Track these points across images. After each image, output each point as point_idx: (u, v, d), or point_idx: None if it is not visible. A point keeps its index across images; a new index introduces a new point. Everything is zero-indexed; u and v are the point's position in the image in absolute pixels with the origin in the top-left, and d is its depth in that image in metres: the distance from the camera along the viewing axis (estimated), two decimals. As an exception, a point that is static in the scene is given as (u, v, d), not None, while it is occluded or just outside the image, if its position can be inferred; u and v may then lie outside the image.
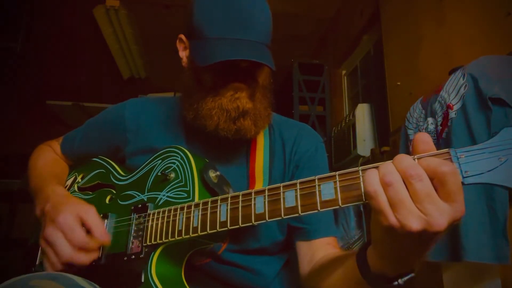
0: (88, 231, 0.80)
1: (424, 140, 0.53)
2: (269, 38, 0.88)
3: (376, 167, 0.53)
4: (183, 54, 0.95)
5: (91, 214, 0.81)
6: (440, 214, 0.48)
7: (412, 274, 0.58)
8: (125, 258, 0.83)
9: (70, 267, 0.78)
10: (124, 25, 3.51)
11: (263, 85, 0.92)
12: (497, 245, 1.25)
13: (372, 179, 0.51)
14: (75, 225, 0.78)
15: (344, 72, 3.60)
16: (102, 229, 0.81)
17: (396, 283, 0.58)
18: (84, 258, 0.78)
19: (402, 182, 0.50)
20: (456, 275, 1.51)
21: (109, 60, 4.05)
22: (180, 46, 0.96)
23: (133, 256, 0.82)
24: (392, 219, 0.50)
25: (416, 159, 0.52)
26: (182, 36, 0.95)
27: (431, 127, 1.58)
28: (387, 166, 0.51)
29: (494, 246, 1.26)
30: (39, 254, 0.95)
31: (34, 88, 4.61)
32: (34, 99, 4.69)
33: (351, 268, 0.65)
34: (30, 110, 4.84)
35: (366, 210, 2.45)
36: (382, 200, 0.50)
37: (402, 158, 0.51)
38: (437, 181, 0.49)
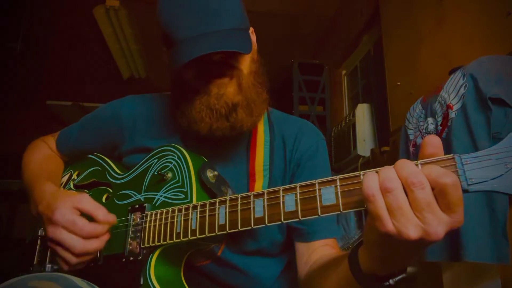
0: (91, 218, 0.78)
1: (433, 144, 0.52)
2: (241, 20, 0.84)
3: (377, 172, 0.52)
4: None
5: (85, 200, 0.79)
6: (438, 224, 0.47)
7: (404, 275, 0.58)
8: (123, 260, 0.83)
9: (84, 258, 0.78)
10: (124, 25, 3.51)
11: (250, 71, 0.88)
12: (497, 245, 1.25)
13: (371, 182, 0.50)
14: (74, 217, 0.77)
15: (344, 72, 3.60)
16: (103, 211, 0.79)
17: (387, 283, 0.58)
18: (97, 244, 0.77)
19: (402, 189, 0.49)
20: (456, 275, 1.51)
21: (109, 60, 4.05)
22: (165, 58, 0.93)
23: (131, 258, 0.82)
24: (390, 225, 0.49)
25: (419, 165, 0.51)
26: (164, 48, 0.92)
27: (431, 127, 1.58)
28: (388, 171, 0.50)
29: (494, 246, 1.26)
30: (36, 253, 0.95)
31: (34, 88, 4.62)
32: (34, 99, 4.69)
33: (344, 268, 0.65)
34: (30, 110, 4.84)
35: (366, 211, 2.44)
36: (380, 205, 0.50)
37: (404, 164, 0.50)
38: (437, 192, 0.48)
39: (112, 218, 0.80)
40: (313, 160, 0.97)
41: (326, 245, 0.90)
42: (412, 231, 0.48)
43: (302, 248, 0.92)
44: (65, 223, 0.76)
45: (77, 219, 0.77)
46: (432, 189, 0.48)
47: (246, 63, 0.87)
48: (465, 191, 0.49)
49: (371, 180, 0.51)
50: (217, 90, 0.83)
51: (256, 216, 0.65)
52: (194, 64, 0.78)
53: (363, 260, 0.60)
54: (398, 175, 0.50)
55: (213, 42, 0.78)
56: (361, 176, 0.55)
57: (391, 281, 0.58)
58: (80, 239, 0.76)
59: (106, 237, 0.79)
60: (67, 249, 0.76)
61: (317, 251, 0.89)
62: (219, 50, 0.77)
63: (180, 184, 0.82)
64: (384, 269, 0.58)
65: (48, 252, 0.91)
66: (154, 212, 0.82)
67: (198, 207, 0.74)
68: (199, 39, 0.78)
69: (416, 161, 0.52)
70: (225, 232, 0.69)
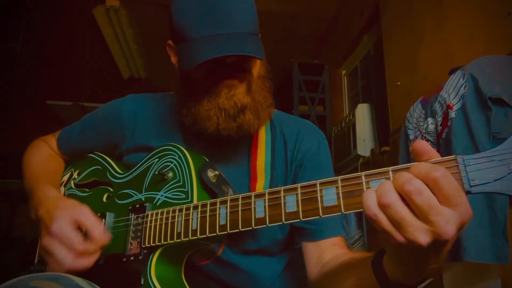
0: (86, 233, 0.78)
1: (423, 149, 0.51)
2: (255, 26, 0.85)
3: (378, 173, 0.52)
4: (175, 59, 0.93)
5: (86, 214, 0.79)
6: (446, 223, 0.46)
7: (431, 279, 0.57)
8: (124, 259, 0.82)
9: (73, 271, 0.76)
10: (124, 25, 3.51)
11: (259, 75, 0.89)
12: (497, 245, 1.25)
13: (369, 201, 0.50)
14: (70, 232, 0.76)
15: (344, 72, 3.60)
16: (100, 229, 0.79)
17: None
18: (86, 263, 0.77)
19: (400, 200, 0.48)
20: (456, 275, 1.51)
21: (109, 60, 4.05)
22: (170, 53, 0.94)
23: (132, 258, 0.82)
24: (399, 237, 0.49)
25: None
26: (170, 42, 0.92)
27: (431, 127, 1.58)
28: (384, 186, 0.50)
29: (494, 246, 1.26)
30: (37, 252, 0.95)
31: (34, 88, 4.61)
32: (34, 99, 4.69)
33: (367, 276, 0.64)
34: (30, 110, 4.83)
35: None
36: (384, 221, 0.49)
37: (400, 174, 0.49)
38: (432, 188, 0.47)
39: (106, 238, 0.79)
40: (316, 160, 0.97)
41: (336, 244, 0.89)
42: (422, 237, 0.47)
43: (310, 248, 0.91)
44: (60, 236, 0.76)
45: (73, 235, 0.76)
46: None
47: (256, 67, 0.88)
48: (467, 192, 0.49)
49: (369, 199, 0.50)
50: (228, 90, 0.84)
51: (257, 216, 0.65)
52: (206, 64, 0.78)
53: (388, 268, 0.59)
54: (395, 187, 0.49)
55: (230, 45, 0.78)
56: (363, 177, 0.55)
57: (421, 286, 0.57)
58: (71, 257, 0.75)
59: (96, 256, 0.78)
60: (57, 263, 0.76)
61: (327, 251, 0.88)
62: (238, 53, 0.77)
63: (181, 183, 0.82)
64: (411, 275, 0.56)
65: None
66: (154, 212, 0.82)
67: (199, 207, 0.74)
68: (215, 40, 0.78)
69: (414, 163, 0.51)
70: (226, 232, 0.69)
